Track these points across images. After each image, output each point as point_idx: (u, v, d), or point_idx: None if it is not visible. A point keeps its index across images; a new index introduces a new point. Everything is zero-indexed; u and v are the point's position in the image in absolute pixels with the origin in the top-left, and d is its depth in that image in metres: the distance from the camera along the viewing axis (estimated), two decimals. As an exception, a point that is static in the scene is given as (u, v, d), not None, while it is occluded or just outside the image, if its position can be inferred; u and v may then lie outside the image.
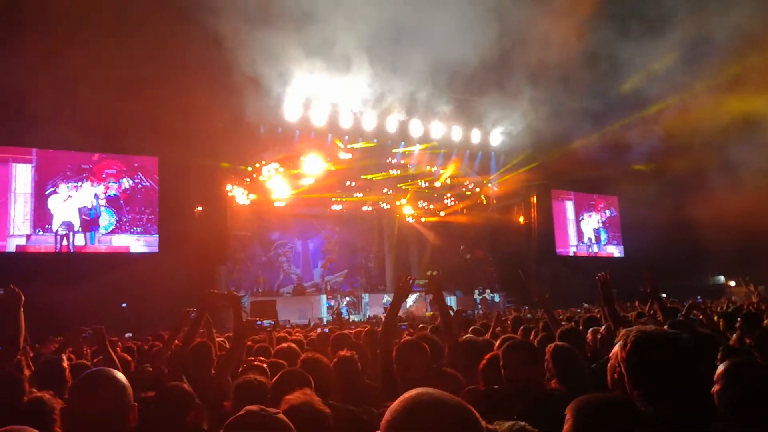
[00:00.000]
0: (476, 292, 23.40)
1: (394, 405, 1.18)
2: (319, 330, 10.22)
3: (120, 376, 2.07)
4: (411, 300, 20.48)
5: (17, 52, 13.57)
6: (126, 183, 18.09)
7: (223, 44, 14.52)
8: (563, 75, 17.33)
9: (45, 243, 16.77)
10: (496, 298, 23.17)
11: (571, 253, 26.41)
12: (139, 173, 18.27)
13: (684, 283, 20.41)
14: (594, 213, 27.92)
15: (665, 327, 4.12)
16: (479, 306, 22.18)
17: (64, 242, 16.97)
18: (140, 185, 18.26)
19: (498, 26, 15.15)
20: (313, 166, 20.53)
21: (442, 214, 25.41)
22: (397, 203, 24.83)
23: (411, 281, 3.89)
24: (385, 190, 23.63)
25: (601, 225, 28.02)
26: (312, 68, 16.84)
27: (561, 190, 26.42)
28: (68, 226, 17.11)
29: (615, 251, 28.11)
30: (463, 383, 3.42)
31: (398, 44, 16.26)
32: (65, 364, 3.91)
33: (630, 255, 26.81)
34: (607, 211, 28.35)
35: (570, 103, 18.57)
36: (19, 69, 13.71)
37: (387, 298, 20.74)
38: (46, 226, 16.86)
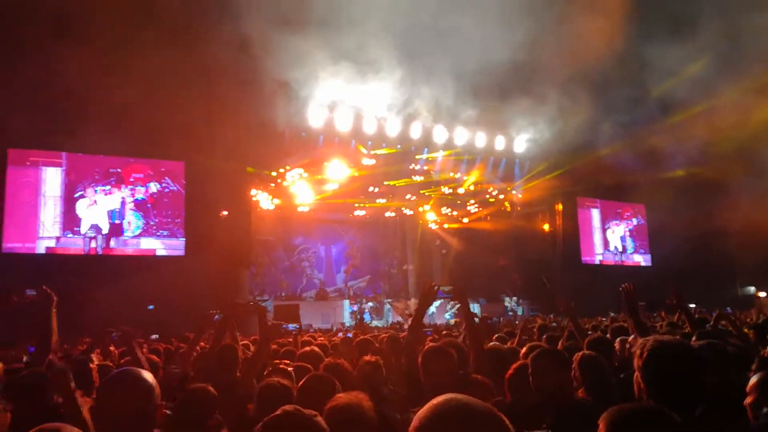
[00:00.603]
0: (506, 299, 23.32)
1: (423, 411, 1.16)
2: (341, 335, 10.24)
3: (147, 375, 2.08)
4: (433, 307, 20.44)
5: (49, 58, 13.91)
6: (153, 187, 18.38)
7: (249, 50, 14.68)
8: (590, 81, 17.15)
9: (74, 245, 17.10)
10: (519, 311, 22.97)
11: (597, 262, 26.07)
12: (166, 178, 18.55)
13: (712, 294, 19.98)
14: (620, 221, 27.54)
15: (693, 338, 4.04)
16: (510, 313, 22.02)
17: (93, 245, 17.28)
18: (167, 189, 18.53)
19: (524, 31, 15.07)
20: (337, 171, 20.61)
21: (466, 220, 25.28)
22: (420, 209, 24.78)
23: (436, 288, 3.87)
24: (408, 196, 23.61)
25: (627, 233, 27.63)
26: (337, 73, 16.94)
27: (587, 197, 26.13)
28: (96, 229, 17.42)
29: (642, 260, 27.68)
30: (493, 390, 3.38)
31: (424, 50, 16.28)
32: (93, 364, 3.97)
33: (657, 264, 26.38)
34: (634, 220, 27.95)
35: (596, 110, 18.37)
36: (51, 75, 14.03)
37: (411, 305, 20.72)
38: (75, 228, 17.19)
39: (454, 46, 16.04)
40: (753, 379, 2.32)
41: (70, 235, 17.08)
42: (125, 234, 17.84)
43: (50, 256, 16.63)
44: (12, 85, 13.22)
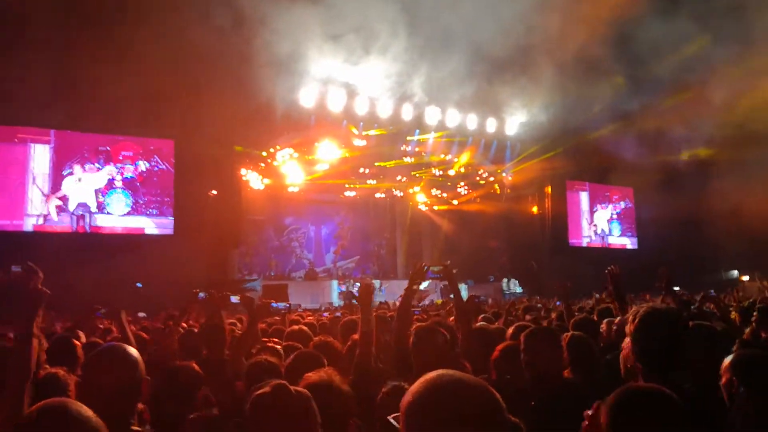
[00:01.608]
0: (505, 281, 23.37)
1: (416, 386, 1.16)
2: (327, 314, 10.26)
3: (132, 350, 2.09)
4: (423, 286, 20.55)
5: (35, 34, 13.66)
6: (142, 165, 18.22)
7: (240, 26, 14.49)
8: (583, 62, 17.07)
9: (61, 223, 16.96)
10: (518, 290, 22.98)
11: (584, 244, 26.25)
12: (155, 156, 18.38)
13: (697, 278, 20.21)
14: (608, 204, 27.69)
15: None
16: (506, 294, 22.10)
17: (80, 223, 17.15)
18: (156, 168, 18.37)
19: (516, 10, 14.98)
20: (328, 152, 20.52)
21: (455, 202, 25.33)
22: (411, 191, 24.79)
23: (425, 268, 3.88)
24: (399, 178, 23.59)
25: (615, 216, 27.79)
26: (329, 51, 16.78)
27: (576, 180, 26.21)
28: (84, 207, 17.27)
29: (628, 243, 27.89)
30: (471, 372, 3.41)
31: (417, 29, 16.14)
32: (78, 341, 3.95)
33: (643, 247, 26.59)
34: (622, 203, 28.11)
35: (588, 92, 18.35)
36: (38, 51, 13.79)
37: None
38: (64, 206, 17.04)
39: (447, 25, 15.93)
40: (726, 360, 2.35)
41: (58, 213, 16.94)
42: (113, 212, 17.70)
43: (38, 234, 16.49)
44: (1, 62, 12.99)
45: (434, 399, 1.12)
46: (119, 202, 17.81)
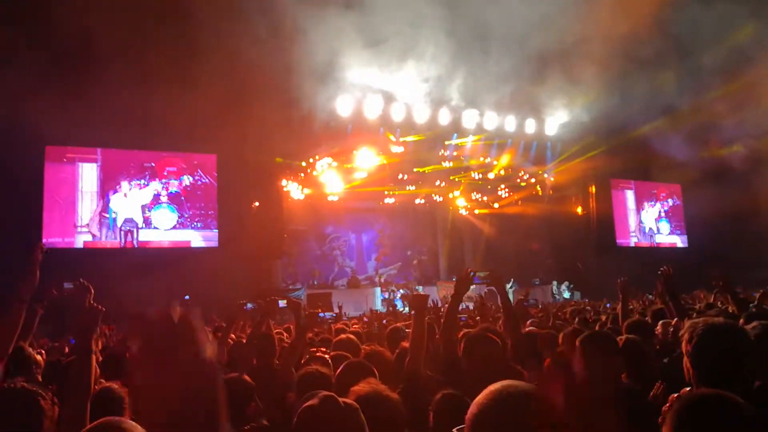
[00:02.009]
0: (554, 283, 22.93)
1: (481, 398, 1.14)
2: (367, 319, 10.25)
3: None
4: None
5: (83, 57, 14.16)
6: (186, 180, 18.66)
7: (278, 38, 14.70)
8: (624, 58, 16.65)
9: (110, 239, 17.48)
10: (566, 293, 22.50)
11: (632, 244, 25.60)
12: (199, 170, 18.81)
13: (751, 274, 19.46)
14: (656, 202, 26.95)
15: (741, 320, 3.92)
16: (556, 297, 21.70)
17: (128, 238, 17.65)
18: (200, 182, 18.80)
19: (554, 7, 14.74)
20: (366, 159, 20.60)
21: (496, 205, 25.05)
22: (450, 195, 24.61)
23: (472, 274, 3.82)
24: (438, 183, 23.46)
25: (663, 214, 27.03)
26: (365, 60, 16.87)
27: (620, 179, 25.62)
28: (131, 222, 17.77)
29: (678, 241, 27.07)
30: (526, 378, 3.34)
31: (450, 32, 16.07)
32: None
33: (693, 245, 25.78)
34: (670, 200, 27.32)
35: (630, 89, 17.90)
36: (85, 72, 14.28)
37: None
38: (112, 222, 17.56)
39: (482, 26, 15.79)
40: None
41: (107, 229, 17.48)
42: (159, 227, 18.16)
43: (88, 250, 17.04)
44: (49, 84, 13.48)
45: (502, 411, 1.10)
46: (165, 217, 18.26)
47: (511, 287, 20.66)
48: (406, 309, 20.42)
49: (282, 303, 7.54)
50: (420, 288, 22.72)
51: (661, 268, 4.28)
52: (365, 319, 10.35)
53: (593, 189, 24.51)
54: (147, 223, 18.00)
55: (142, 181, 18.15)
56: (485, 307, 6.20)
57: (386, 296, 21.46)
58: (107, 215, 17.55)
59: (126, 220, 17.72)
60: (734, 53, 16.87)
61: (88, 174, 17.55)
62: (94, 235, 17.32)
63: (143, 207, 18.02)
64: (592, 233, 24.22)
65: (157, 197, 18.24)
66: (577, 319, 6.71)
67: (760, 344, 2.34)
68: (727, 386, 1.94)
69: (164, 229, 18.20)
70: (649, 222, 26.54)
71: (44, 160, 16.87)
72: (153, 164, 18.35)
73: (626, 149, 21.86)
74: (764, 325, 2.60)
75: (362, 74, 17.82)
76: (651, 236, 26.39)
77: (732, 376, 2.05)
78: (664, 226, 26.90)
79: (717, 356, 2.09)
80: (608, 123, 20.12)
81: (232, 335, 5.46)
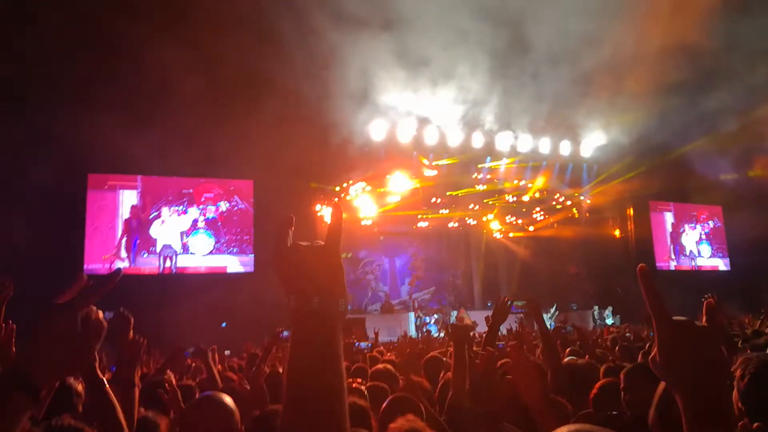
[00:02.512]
0: (596, 308, 22.28)
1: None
2: (400, 346, 10.10)
3: (228, 400, 2.11)
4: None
5: (123, 86, 14.66)
6: (223, 206, 18.99)
7: (312, 66, 14.97)
8: (662, 78, 16.39)
9: (149, 265, 17.84)
10: (609, 320, 21.86)
11: (672, 267, 24.93)
12: (236, 196, 19.14)
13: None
14: (696, 224, 26.27)
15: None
16: (597, 323, 21.15)
17: (167, 263, 17.98)
18: (236, 207, 19.12)
19: (588, 29, 14.66)
20: (399, 183, 20.67)
21: (531, 228, 24.75)
22: (484, 219, 24.44)
23: (509, 303, 3.77)
24: (472, 206, 23.35)
25: (704, 236, 26.31)
26: (398, 84, 17.03)
27: (659, 201, 25.09)
28: (170, 248, 18.13)
29: (720, 264, 26.26)
30: (570, 411, 3.26)
31: (485, 55, 16.10)
32: (169, 385, 4.06)
33: (736, 268, 24.98)
34: (710, 222, 26.59)
35: (667, 109, 17.60)
36: (122, 101, 14.76)
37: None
38: (151, 248, 17.94)
39: (517, 49, 15.79)
40: None
41: (146, 255, 17.85)
42: (197, 252, 18.47)
43: (128, 276, 17.36)
44: (91, 113, 13.98)
45: None
46: (202, 242, 18.58)
47: (553, 313, 20.29)
48: (441, 334, 20.23)
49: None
50: (455, 313, 22.48)
51: (705, 297, 4.14)
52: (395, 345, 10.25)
53: (631, 211, 24.07)
54: (185, 248, 18.33)
55: (181, 207, 18.54)
56: (524, 336, 6.08)
57: (417, 322, 21.28)
58: (146, 241, 17.93)
59: (164, 246, 18.07)
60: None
61: (129, 201, 18.02)
62: (131, 262, 17.70)
63: (181, 233, 18.37)
64: (630, 256, 23.69)
65: (194, 223, 18.59)
66: (618, 347, 6.53)
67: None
68: None
69: (201, 255, 18.50)
70: (690, 245, 25.86)
71: (87, 188, 17.40)
72: (191, 190, 18.74)
73: (665, 170, 21.45)
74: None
75: (395, 98, 17.99)
76: (692, 259, 25.68)
77: None
78: (705, 249, 26.17)
79: None
80: (646, 144, 19.80)
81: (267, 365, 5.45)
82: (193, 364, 7.12)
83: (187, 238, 18.41)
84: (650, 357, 1.21)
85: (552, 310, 20.83)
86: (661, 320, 1.21)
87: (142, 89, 14.72)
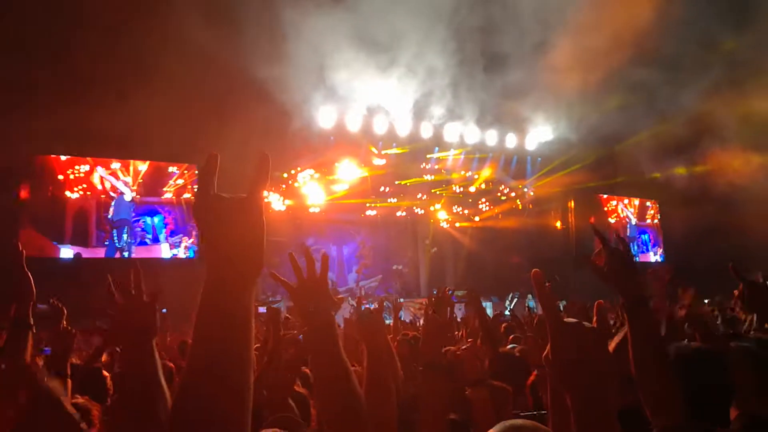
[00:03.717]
0: (530, 296, 22.77)
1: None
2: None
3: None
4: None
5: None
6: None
7: (259, 47, 14.64)
8: (608, 73, 16.74)
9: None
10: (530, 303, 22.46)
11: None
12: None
13: (730, 286, 19.69)
14: (634, 217, 27.30)
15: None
16: (507, 314, 21.68)
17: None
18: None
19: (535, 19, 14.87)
20: (348, 172, 20.62)
21: (477, 219, 25.17)
22: (432, 208, 24.69)
23: (450, 292, 3.80)
24: (420, 196, 23.54)
25: (641, 229, 27.39)
26: (348, 71, 16.89)
27: (600, 194, 25.92)
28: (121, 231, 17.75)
29: (655, 256, 27.42)
30: (511, 395, 3.34)
31: (431, 43, 16.16)
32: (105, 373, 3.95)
33: (670, 260, 26.14)
34: (648, 216, 27.70)
35: (610, 104, 18.11)
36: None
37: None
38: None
39: (460, 38, 15.90)
40: None
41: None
42: (140, 238, 17.98)
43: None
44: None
45: None
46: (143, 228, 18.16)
47: (512, 300, 20.71)
48: (387, 321, 20.35)
49: (262, 309, 7.37)
50: (401, 301, 22.65)
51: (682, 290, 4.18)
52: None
53: (572, 204, 24.76)
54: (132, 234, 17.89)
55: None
56: (468, 324, 6.16)
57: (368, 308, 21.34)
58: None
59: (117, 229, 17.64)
60: (718, 69, 17.07)
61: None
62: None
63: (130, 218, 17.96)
64: (571, 248, 24.42)
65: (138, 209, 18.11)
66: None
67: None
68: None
69: (143, 241, 18.02)
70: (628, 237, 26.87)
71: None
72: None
73: (607, 164, 22.15)
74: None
75: (345, 84, 17.85)
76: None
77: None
78: (643, 241, 27.23)
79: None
80: (589, 138, 20.36)
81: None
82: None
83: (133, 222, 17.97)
84: (543, 355, 1.26)
85: (509, 298, 21.29)
86: (552, 322, 1.27)
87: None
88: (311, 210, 22.18)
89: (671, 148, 20.70)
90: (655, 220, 27.61)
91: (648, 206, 27.53)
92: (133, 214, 17.98)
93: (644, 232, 27.43)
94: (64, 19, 13.21)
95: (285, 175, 20.05)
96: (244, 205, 1.14)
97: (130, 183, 18.03)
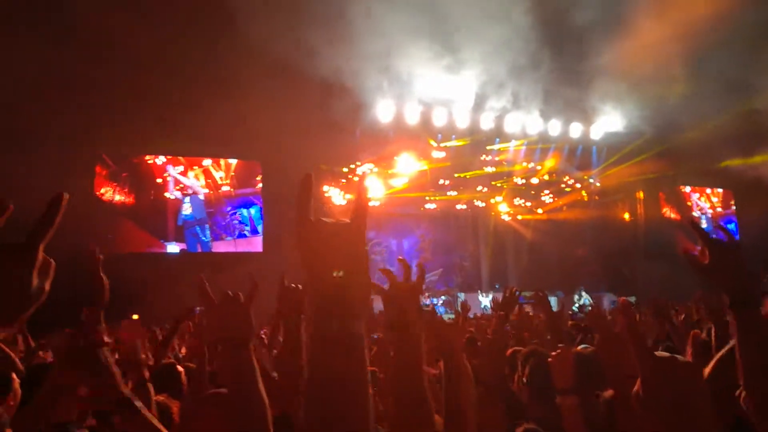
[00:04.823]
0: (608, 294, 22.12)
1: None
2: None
3: None
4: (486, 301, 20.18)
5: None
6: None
7: (320, 46, 14.81)
8: (678, 60, 16.04)
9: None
10: (585, 300, 21.76)
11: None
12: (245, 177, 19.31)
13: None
14: (707, 207, 26.09)
15: None
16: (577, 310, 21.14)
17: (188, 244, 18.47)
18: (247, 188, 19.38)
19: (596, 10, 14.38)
20: (407, 165, 20.60)
21: (540, 211, 24.64)
22: (493, 201, 24.34)
23: (517, 293, 3.73)
24: (480, 188, 23.24)
25: (714, 219, 26.14)
26: (407, 65, 16.85)
27: (670, 183, 24.92)
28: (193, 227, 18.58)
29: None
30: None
31: (488, 35, 15.89)
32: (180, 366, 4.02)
33: (746, 250, 24.85)
34: (720, 205, 26.42)
35: (679, 93, 17.30)
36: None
37: (481, 299, 20.48)
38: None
39: (527, 31, 15.55)
40: None
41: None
42: (209, 234, 18.73)
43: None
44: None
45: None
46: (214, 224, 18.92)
47: (579, 299, 20.19)
48: (447, 316, 20.27)
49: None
50: (462, 295, 22.49)
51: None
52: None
53: (641, 194, 23.87)
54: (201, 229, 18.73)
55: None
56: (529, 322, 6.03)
57: (427, 303, 21.30)
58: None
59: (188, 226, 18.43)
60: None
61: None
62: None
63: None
64: (639, 239, 23.57)
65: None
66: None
67: None
68: None
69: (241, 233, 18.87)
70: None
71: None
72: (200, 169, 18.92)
73: (676, 154, 21.21)
74: None
75: (404, 78, 17.80)
76: (702, 242, 25.58)
77: None
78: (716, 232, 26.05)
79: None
80: (657, 127, 19.55)
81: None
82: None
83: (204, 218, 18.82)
84: (633, 391, 1.18)
85: (577, 296, 20.73)
86: (643, 358, 1.17)
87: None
88: (371, 204, 22.24)
89: (746, 135, 19.61)
90: (730, 209, 26.29)
91: (722, 196, 26.24)
92: (211, 210, 18.77)
93: (730, 221, 26.19)
94: (168, 30, 13.73)
95: (345, 169, 20.23)
96: (350, 231, 1.08)
97: (223, 177, 18.82)
